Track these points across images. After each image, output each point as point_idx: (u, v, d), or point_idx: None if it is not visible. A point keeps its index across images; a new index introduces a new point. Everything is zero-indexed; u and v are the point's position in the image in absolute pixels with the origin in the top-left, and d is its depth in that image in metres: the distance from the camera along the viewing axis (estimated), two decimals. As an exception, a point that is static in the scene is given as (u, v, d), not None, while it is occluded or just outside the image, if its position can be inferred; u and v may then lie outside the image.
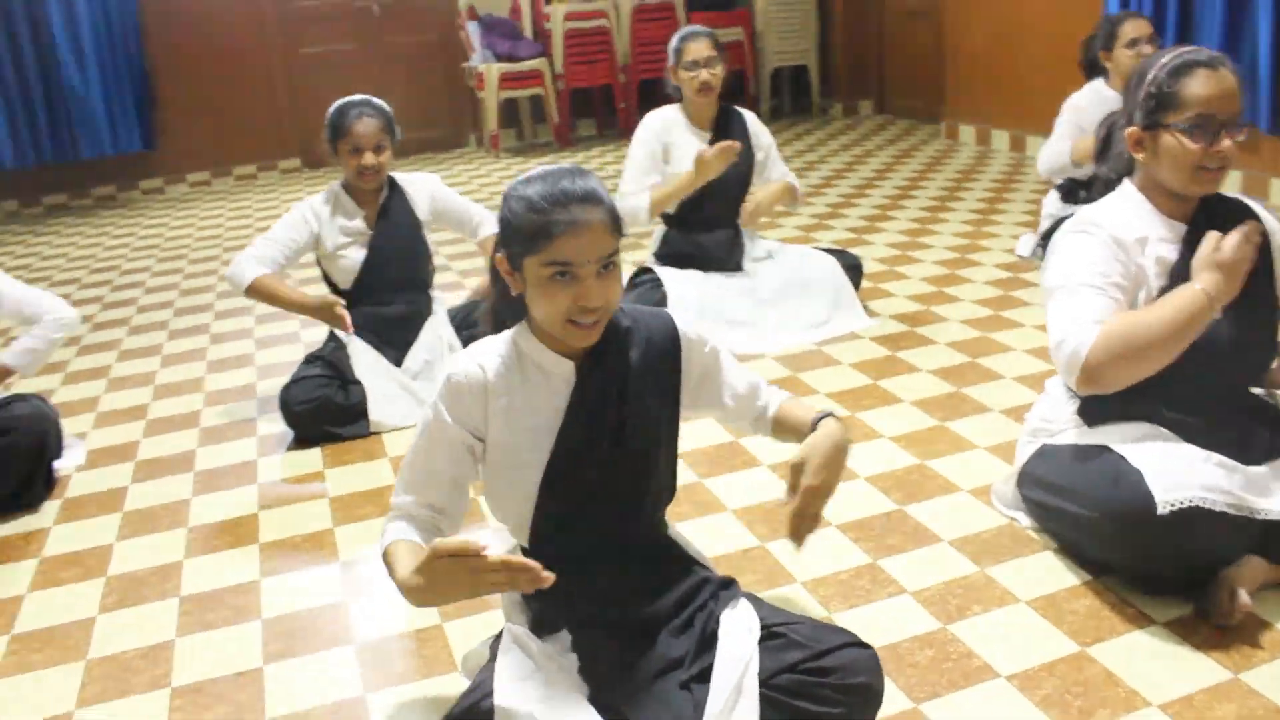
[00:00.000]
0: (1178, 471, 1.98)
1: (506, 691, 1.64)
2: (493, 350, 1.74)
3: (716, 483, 2.70)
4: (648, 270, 3.83)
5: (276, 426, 3.18)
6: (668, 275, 3.73)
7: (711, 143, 3.72)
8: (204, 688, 2.05)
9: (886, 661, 1.95)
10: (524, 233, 1.60)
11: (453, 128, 8.27)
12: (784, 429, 1.91)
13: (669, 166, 3.70)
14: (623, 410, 1.73)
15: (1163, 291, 2.09)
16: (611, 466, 1.73)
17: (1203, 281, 1.98)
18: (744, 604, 1.78)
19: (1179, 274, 2.08)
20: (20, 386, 3.44)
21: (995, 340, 3.48)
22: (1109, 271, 2.07)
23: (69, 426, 3.33)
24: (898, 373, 3.29)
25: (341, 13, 7.80)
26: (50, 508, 2.84)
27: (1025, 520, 2.40)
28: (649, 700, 1.65)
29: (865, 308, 3.80)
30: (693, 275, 3.74)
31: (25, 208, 7.32)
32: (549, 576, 1.50)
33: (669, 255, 3.83)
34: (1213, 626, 1.99)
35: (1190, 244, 2.10)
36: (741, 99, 8.39)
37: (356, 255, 3.26)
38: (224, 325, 4.31)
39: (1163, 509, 1.93)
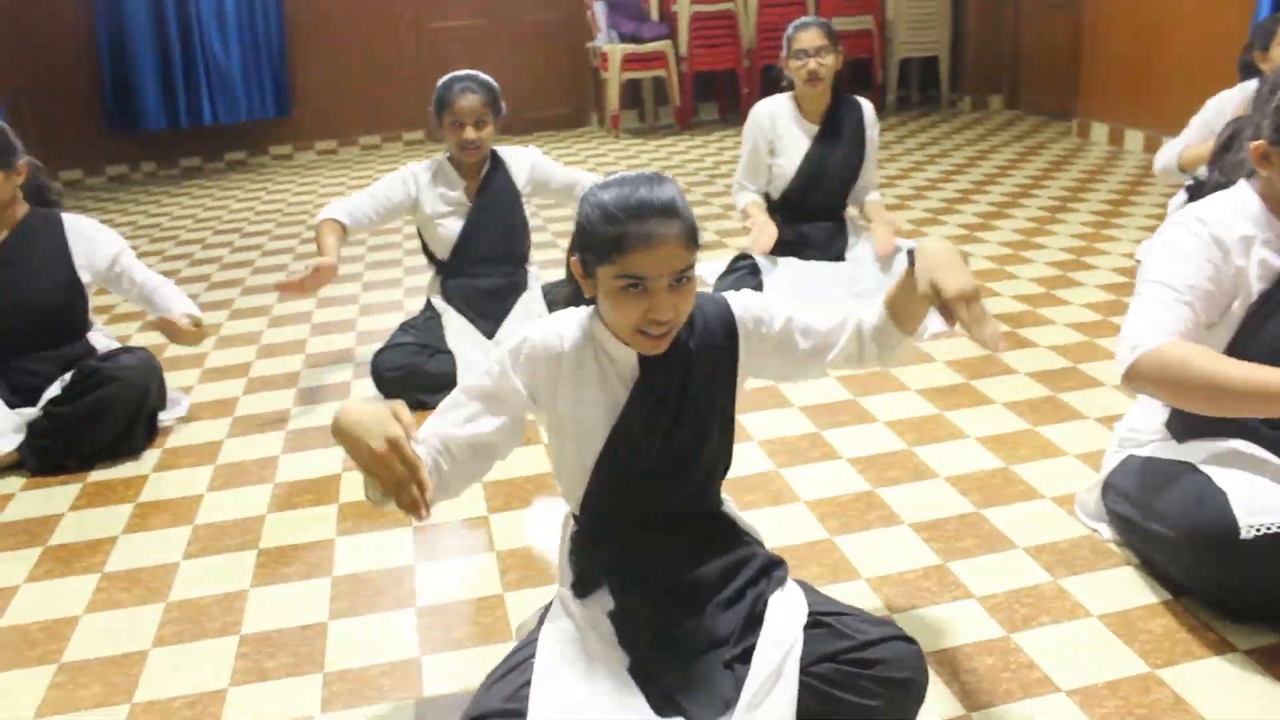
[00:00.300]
0: (1266, 494, 1.87)
1: (548, 657, 1.66)
2: (570, 324, 1.74)
3: (793, 473, 2.67)
4: (746, 256, 3.81)
5: (370, 390, 3.25)
6: (765, 262, 3.70)
7: (819, 137, 3.67)
8: (270, 637, 2.12)
9: (942, 666, 1.91)
10: (598, 241, 1.58)
11: (576, 107, 8.33)
12: (893, 308, 1.76)
13: (775, 158, 3.66)
14: (682, 403, 1.72)
15: (1264, 296, 1.98)
16: (666, 453, 1.73)
17: None
18: (794, 588, 1.77)
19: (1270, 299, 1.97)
20: (136, 340, 3.61)
21: (1101, 346, 3.35)
22: (1198, 279, 1.96)
23: (176, 380, 3.48)
24: (993, 373, 3.20)
25: (474, -5, 7.94)
26: (150, 456, 2.97)
27: (1107, 533, 2.31)
28: (691, 677, 1.65)
29: (968, 305, 3.69)
30: (791, 261, 3.71)
31: (162, 169, 7.66)
32: (427, 514, 1.53)
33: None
34: (1302, 659, 1.89)
35: None
36: (868, 89, 8.25)
37: (454, 226, 3.31)
38: (331, 290, 4.42)
39: (1246, 533, 1.83)
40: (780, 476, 2.66)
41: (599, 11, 7.71)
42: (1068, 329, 3.52)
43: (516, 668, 1.69)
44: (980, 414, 2.94)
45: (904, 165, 6.24)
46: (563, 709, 1.57)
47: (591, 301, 1.71)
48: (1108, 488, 2.26)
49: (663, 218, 1.56)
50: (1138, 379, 1.92)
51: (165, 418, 3.16)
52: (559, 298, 1.86)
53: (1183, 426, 2.14)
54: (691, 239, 1.60)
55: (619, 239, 1.55)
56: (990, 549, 2.29)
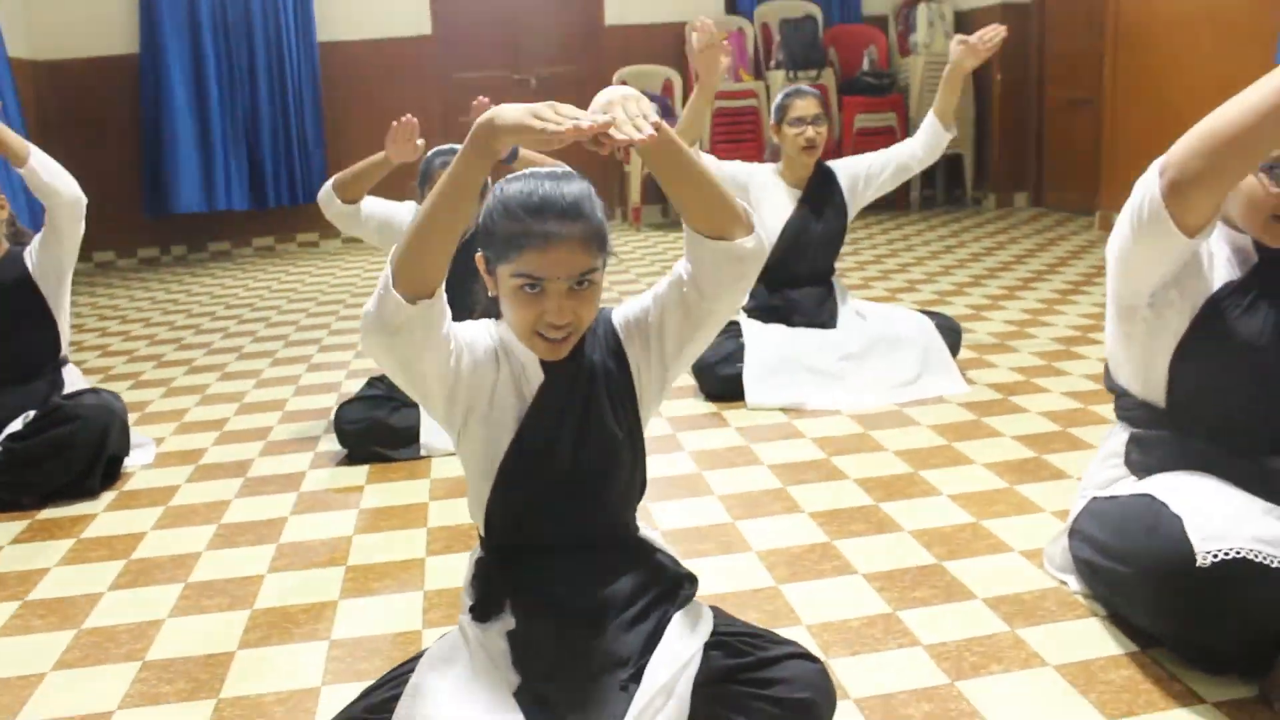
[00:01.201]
0: (1223, 520, 1.74)
1: (425, 671, 1.56)
2: (482, 330, 1.67)
3: (749, 524, 2.55)
4: (732, 323, 3.74)
5: (337, 445, 3.20)
6: (748, 324, 3.63)
7: (803, 201, 3.62)
8: (173, 664, 2.03)
9: (872, 711, 1.77)
10: (498, 238, 1.52)
11: (601, 199, 8.40)
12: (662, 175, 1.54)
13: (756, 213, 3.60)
14: (586, 415, 1.64)
15: (1228, 290, 1.88)
16: (573, 467, 1.64)
17: None
18: (702, 608, 1.65)
19: (1247, 282, 1.87)
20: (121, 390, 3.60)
21: (1096, 412, 3.21)
22: None
23: (153, 432, 3.46)
24: (976, 436, 3.07)
25: (501, 84, 8.10)
26: (106, 498, 2.93)
27: (1075, 585, 2.15)
28: (583, 699, 1.53)
29: (963, 375, 3.58)
30: (777, 328, 3.63)
31: (192, 252, 7.85)
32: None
33: (757, 309, 3.72)
34: (1275, 713, 1.71)
35: (1260, 276, 1.89)
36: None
37: None
38: (326, 357, 4.43)
39: (1202, 559, 1.69)
40: (734, 528, 2.54)
41: (624, 107, 7.83)
42: (1063, 397, 3.38)
43: (391, 681, 1.59)
44: (957, 472, 2.81)
45: (920, 254, 6.18)
46: None
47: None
48: (1072, 534, 2.12)
49: (565, 218, 1.48)
50: (1176, 164, 1.70)
51: (130, 464, 3.13)
52: (477, 313, 1.79)
53: (1144, 463, 2.02)
54: (595, 242, 1.52)
55: (517, 237, 1.49)
56: (947, 599, 2.15)
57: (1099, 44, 6.76)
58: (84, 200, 3.01)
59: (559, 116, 1.38)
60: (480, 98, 3.29)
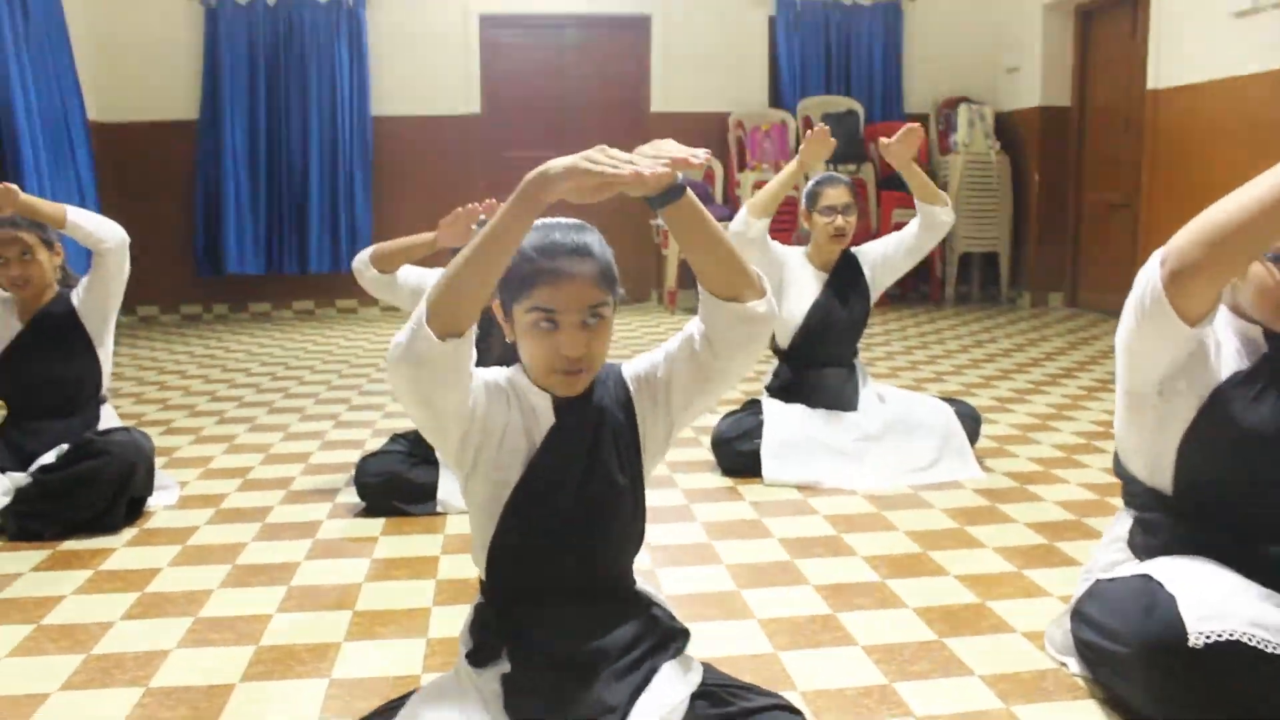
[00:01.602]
0: (1218, 601, 1.74)
1: (416, 705, 1.60)
2: (497, 375, 1.74)
3: (754, 593, 2.56)
4: (754, 400, 3.78)
5: (356, 498, 3.25)
6: (769, 403, 3.66)
7: (829, 284, 3.68)
8: (175, 692, 2.06)
9: (859, 774, 1.77)
10: (513, 280, 1.60)
11: (638, 283, 8.54)
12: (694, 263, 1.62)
13: (784, 301, 3.66)
14: (593, 460, 1.69)
15: (1233, 383, 1.90)
16: (574, 507, 1.68)
17: None
18: (692, 660, 1.68)
19: (1255, 370, 1.89)
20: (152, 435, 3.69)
21: (1112, 504, 3.20)
22: None
23: (179, 476, 3.53)
24: (990, 521, 3.07)
25: (546, 166, 8.29)
26: (127, 534, 2.99)
27: (1075, 667, 2.14)
28: None
29: (980, 463, 3.59)
30: (797, 407, 3.66)
31: (233, 312, 8.04)
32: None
33: (779, 389, 3.76)
34: (1264, 800, 1.70)
35: (1270, 364, 1.91)
36: (927, 282, 8.32)
37: None
38: (353, 415, 4.51)
39: (1195, 640, 1.70)
40: (739, 595, 2.55)
41: (664, 192, 7.98)
42: (1080, 488, 3.38)
43: (382, 712, 1.62)
44: (967, 554, 2.81)
45: (950, 348, 6.20)
46: None
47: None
48: (1074, 615, 2.12)
49: (575, 255, 1.58)
50: (1178, 254, 1.74)
51: (154, 503, 3.20)
52: (493, 351, 1.85)
53: (1147, 545, 2.02)
54: (605, 279, 1.60)
55: (531, 275, 1.58)
56: (944, 674, 2.15)
57: (1137, 148, 6.84)
58: (128, 240, 3.13)
59: (614, 160, 1.45)
60: (489, 200, 3.29)
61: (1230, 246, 1.71)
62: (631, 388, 1.74)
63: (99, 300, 3.14)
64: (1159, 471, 2.01)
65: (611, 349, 1.74)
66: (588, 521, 1.69)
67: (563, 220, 1.65)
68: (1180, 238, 1.76)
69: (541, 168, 1.47)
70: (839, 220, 3.63)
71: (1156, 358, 1.91)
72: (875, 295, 3.75)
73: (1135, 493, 2.09)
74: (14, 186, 2.92)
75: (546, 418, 1.69)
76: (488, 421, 1.66)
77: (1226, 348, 1.96)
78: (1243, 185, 1.72)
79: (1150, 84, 6.58)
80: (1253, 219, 1.68)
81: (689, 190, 1.54)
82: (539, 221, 1.64)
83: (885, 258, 3.73)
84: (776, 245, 3.74)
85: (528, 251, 1.59)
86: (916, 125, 3.48)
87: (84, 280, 3.18)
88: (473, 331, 1.55)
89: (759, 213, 3.56)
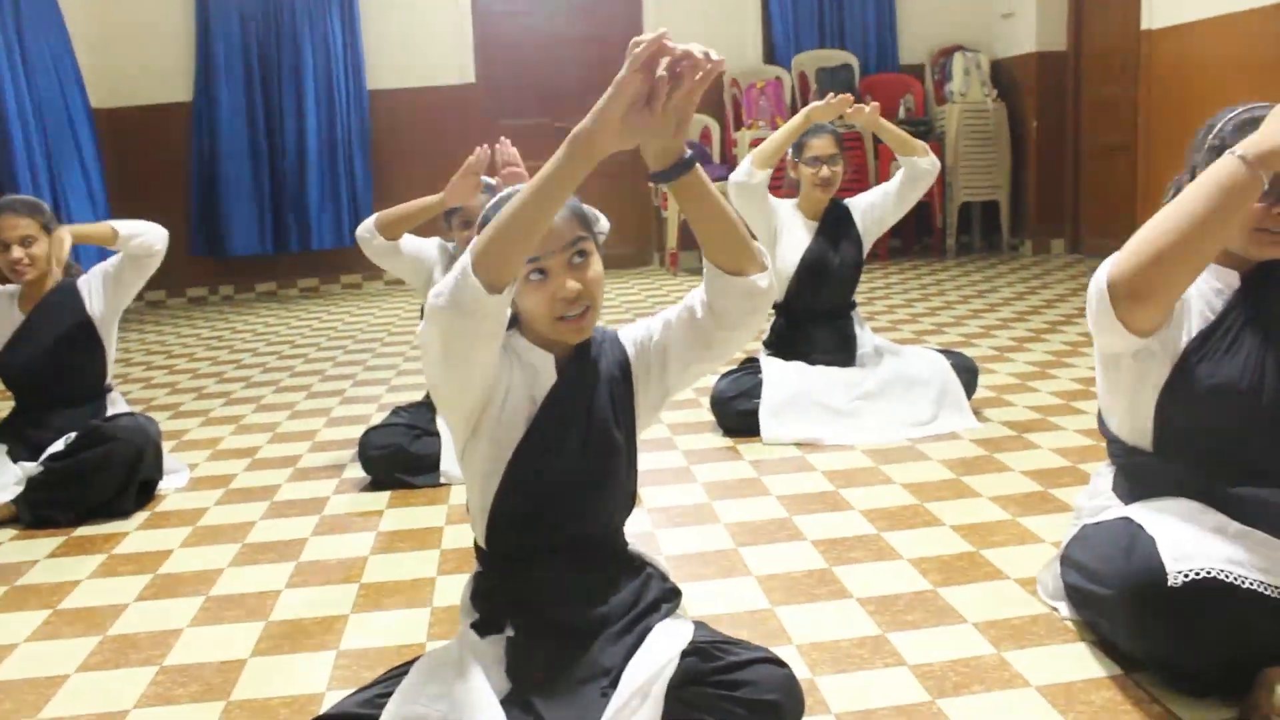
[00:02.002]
0: (1196, 540, 1.78)
1: (418, 672, 1.65)
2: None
3: (751, 551, 2.61)
4: (752, 359, 3.81)
5: (362, 473, 3.30)
6: (768, 362, 3.70)
7: (819, 232, 3.71)
8: (188, 669, 2.13)
9: (852, 725, 1.82)
10: None
11: (640, 246, 8.56)
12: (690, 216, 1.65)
13: (777, 247, 3.70)
14: (591, 414, 1.73)
15: (1201, 336, 1.92)
16: (574, 465, 1.72)
17: (1244, 146, 1.67)
18: (682, 618, 1.72)
19: (1223, 323, 1.91)
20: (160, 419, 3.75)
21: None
22: None
23: (188, 459, 3.59)
24: (986, 471, 3.11)
25: (543, 131, 8.27)
26: (138, 518, 3.06)
27: (1066, 611, 2.19)
28: (567, 705, 1.60)
29: (977, 413, 3.62)
30: (796, 365, 3.69)
31: (239, 292, 8.10)
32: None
33: (777, 345, 3.80)
34: (1252, 733, 1.74)
35: (1242, 300, 1.94)
36: (929, 234, 8.31)
37: None
38: (358, 390, 4.57)
39: (1174, 579, 1.73)
40: (737, 553, 2.60)
41: (662, 154, 7.97)
42: (1077, 434, 3.41)
43: (385, 680, 1.68)
44: (962, 505, 2.85)
45: (951, 299, 6.21)
46: None
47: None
48: (1062, 561, 2.16)
49: None
50: (1121, 276, 1.77)
51: (164, 487, 3.26)
52: None
53: (1129, 489, 2.06)
54: (578, 217, 1.65)
55: None
56: (937, 622, 2.20)
57: (1133, 90, 6.80)
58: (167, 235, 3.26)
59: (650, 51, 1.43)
60: (480, 148, 3.27)
61: (1173, 270, 1.74)
62: (630, 350, 1.78)
63: (120, 299, 3.24)
64: (1138, 429, 2.03)
65: (616, 313, 1.78)
66: (588, 480, 1.73)
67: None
68: (1126, 264, 1.78)
69: (585, 122, 1.46)
70: (824, 170, 3.66)
71: (1123, 346, 1.94)
72: (867, 245, 3.78)
73: (1117, 453, 2.13)
74: (63, 234, 3.07)
75: (548, 376, 1.72)
76: (495, 382, 1.69)
77: (1196, 304, 1.97)
78: (1175, 200, 1.73)
79: (1144, 24, 6.53)
80: (1196, 234, 1.70)
81: (699, 164, 1.57)
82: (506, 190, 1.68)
83: (872, 206, 3.77)
84: (770, 197, 3.77)
85: (503, 203, 1.62)
86: (844, 96, 3.58)
87: (100, 274, 3.23)
88: (512, 289, 1.55)
89: (762, 163, 3.60)
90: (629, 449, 1.79)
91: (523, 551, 1.75)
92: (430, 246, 3.46)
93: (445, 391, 1.68)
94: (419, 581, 2.51)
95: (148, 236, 3.19)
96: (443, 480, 3.21)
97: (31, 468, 3.04)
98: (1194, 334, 1.93)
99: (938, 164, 3.69)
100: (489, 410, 1.70)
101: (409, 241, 3.40)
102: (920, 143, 3.67)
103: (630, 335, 1.80)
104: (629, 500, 1.83)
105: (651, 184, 8.16)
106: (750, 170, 3.60)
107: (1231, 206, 1.68)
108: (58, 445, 3.06)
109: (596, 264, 1.67)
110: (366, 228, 3.32)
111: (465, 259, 1.49)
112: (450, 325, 1.51)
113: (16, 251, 3.06)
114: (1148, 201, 6.57)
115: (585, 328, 1.68)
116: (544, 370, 1.72)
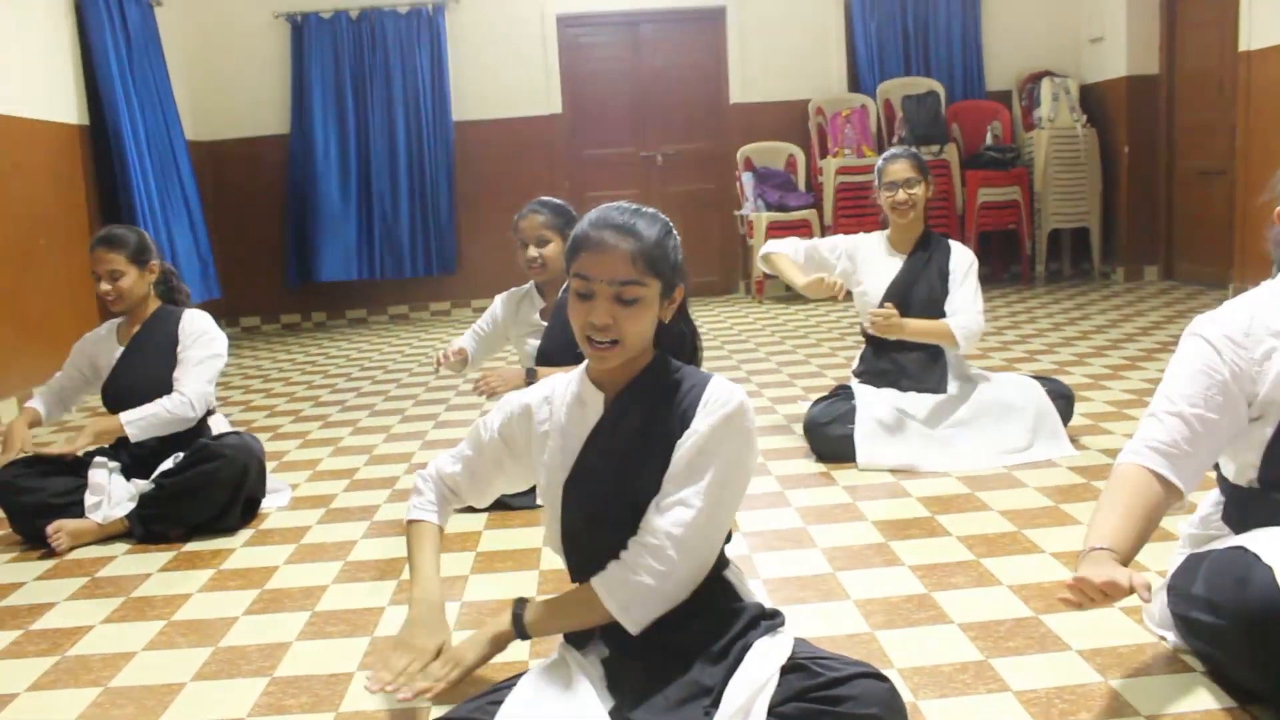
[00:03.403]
0: (1314, 569, 1.73)
1: (528, 684, 1.69)
2: (552, 383, 1.90)
3: (849, 575, 2.60)
4: (845, 386, 3.80)
5: (458, 493, 3.36)
6: (860, 388, 3.69)
7: (907, 263, 3.68)
8: (298, 681, 2.19)
9: (957, 748, 1.80)
10: (570, 246, 1.76)
11: (725, 274, 8.59)
12: None
13: (860, 286, 3.70)
14: (640, 454, 1.76)
15: None
16: (619, 504, 1.76)
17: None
18: (783, 636, 1.73)
19: None
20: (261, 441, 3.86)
21: (1210, 478, 3.15)
22: (1193, 390, 1.93)
23: (289, 479, 3.69)
24: (1083, 499, 3.05)
25: (628, 161, 8.39)
26: (244, 534, 3.15)
27: (1174, 639, 2.15)
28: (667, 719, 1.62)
29: (1073, 441, 3.56)
30: (888, 392, 3.67)
31: (331, 319, 8.30)
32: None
33: (866, 373, 3.78)
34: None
35: None
36: (1016, 261, 8.19)
37: (534, 343, 3.45)
38: (451, 415, 4.65)
39: (1293, 609, 1.69)
40: (834, 578, 2.59)
41: (746, 181, 8.01)
42: (1178, 464, 3.33)
43: (496, 689, 1.71)
44: (1061, 532, 2.81)
45: (1042, 326, 6.12)
46: None
47: None
48: (1170, 590, 2.12)
49: (619, 231, 1.70)
50: None
51: (267, 505, 3.36)
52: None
53: (1239, 518, 2.02)
54: (644, 260, 1.69)
55: (581, 241, 1.72)
56: (1041, 649, 2.17)
57: (1230, 113, 6.66)
58: (200, 404, 3.25)
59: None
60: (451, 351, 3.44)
61: None
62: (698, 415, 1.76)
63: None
64: (1244, 472, 2.01)
65: (703, 341, 1.83)
66: (635, 518, 1.76)
67: (626, 203, 1.77)
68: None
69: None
70: (900, 194, 3.64)
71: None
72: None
73: (1225, 485, 2.09)
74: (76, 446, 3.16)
75: (595, 412, 1.79)
76: (530, 441, 1.87)
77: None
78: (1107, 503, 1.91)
79: (1243, 45, 6.40)
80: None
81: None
82: (613, 203, 1.79)
83: (959, 274, 3.66)
84: (829, 241, 3.81)
85: (584, 222, 1.74)
86: (886, 310, 3.53)
87: (190, 337, 3.28)
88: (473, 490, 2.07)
89: (763, 265, 3.79)
90: None
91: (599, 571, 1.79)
92: (493, 310, 3.55)
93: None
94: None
95: (158, 431, 3.20)
96: (540, 502, 3.24)
97: (144, 484, 3.15)
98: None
99: (970, 333, 3.57)
100: (541, 455, 1.85)
101: (481, 334, 3.53)
102: (946, 332, 3.55)
103: (711, 397, 1.78)
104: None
105: (736, 214, 8.21)
106: (761, 250, 3.82)
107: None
108: (167, 463, 3.17)
109: (645, 310, 1.70)
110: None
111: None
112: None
113: (104, 285, 3.19)
114: (1247, 226, 6.42)
115: (610, 358, 1.72)
116: (592, 406, 1.80)
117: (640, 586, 1.69)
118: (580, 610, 1.77)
